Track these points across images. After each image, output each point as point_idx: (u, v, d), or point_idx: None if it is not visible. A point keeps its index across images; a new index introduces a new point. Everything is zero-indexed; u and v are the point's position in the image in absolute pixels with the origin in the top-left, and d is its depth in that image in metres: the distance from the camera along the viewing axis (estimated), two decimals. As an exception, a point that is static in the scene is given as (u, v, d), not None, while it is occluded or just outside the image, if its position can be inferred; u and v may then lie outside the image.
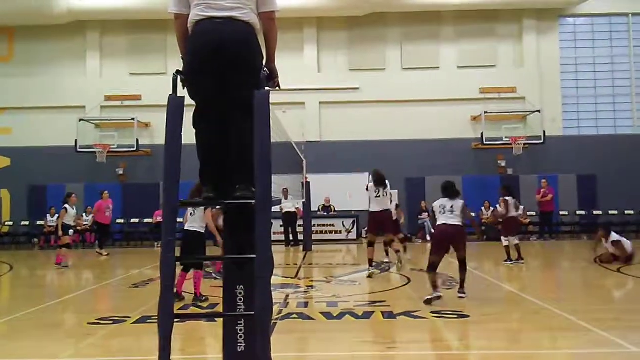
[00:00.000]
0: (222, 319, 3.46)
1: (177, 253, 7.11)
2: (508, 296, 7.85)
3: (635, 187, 17.16)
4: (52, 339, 5.75)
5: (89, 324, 6.09)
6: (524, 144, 17.80)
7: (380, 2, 18.03)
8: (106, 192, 14.92)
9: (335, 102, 18.96)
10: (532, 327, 5.83)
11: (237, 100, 3.26)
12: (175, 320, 2.88)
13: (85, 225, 16.61)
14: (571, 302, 7.13)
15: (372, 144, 18.18)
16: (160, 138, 18.21)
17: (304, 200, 14.14)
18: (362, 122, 18.68)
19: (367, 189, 9.58)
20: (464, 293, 7.09)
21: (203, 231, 7.10)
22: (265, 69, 3.39)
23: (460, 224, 7.01)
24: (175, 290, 5.80)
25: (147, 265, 11.58)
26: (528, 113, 18.45)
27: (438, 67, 19.16)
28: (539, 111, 18.15)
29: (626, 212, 17.71)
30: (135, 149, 17.63)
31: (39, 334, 5.92)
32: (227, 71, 3.22)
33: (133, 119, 17.74)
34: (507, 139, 17.79)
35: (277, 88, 3.62)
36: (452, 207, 7.02)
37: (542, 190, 16.91)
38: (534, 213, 17.17)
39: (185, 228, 7.05)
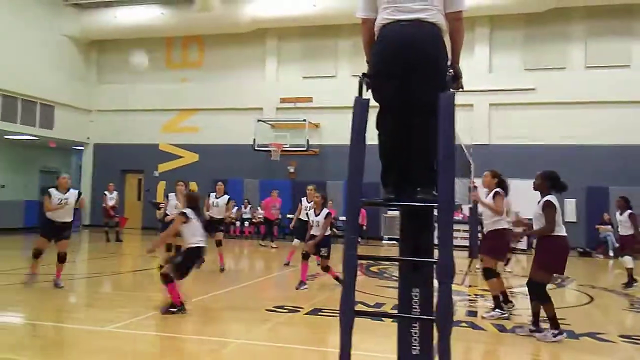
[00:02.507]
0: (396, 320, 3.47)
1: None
2: None
3: None
4: (234, 321, 6.28)
5: (266, 310, 6.54)
6: None
7: (562, -3, 16.72)
8: (275, 191, 16.12)
9: (506, 104, 18.03)
10: None
11: (422, 102, 3.24)
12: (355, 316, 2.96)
13: (259, 218, 17.88)
14: None
15: (548, 148, 16.93)
16: (328, 138, 18.97)
17: (470, 205, 13.63)
18: (537, 125, 17.49)
19: None
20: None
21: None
22: (451, 70, 3.33)
23: None
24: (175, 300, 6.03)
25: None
26: None
27: (628, 65, 17.21)
28: None
29: None
30: (305, 148, 18.52)
31: (224, 315, 6.52)
32: (412, 73, 3.21)
33: (304, 120, 18.66)
34: None
35: (461, 89, 3.53)
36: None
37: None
38: None
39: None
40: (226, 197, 10.69)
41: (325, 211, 8.55)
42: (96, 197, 19.25)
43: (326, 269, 8.46)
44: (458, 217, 15.73)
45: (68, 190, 7.95)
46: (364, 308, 6.70)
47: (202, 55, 21.13)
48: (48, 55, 19.63)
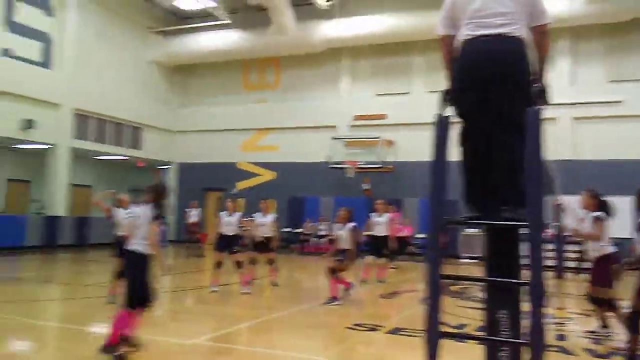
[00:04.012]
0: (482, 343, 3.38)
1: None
2: None
3: None
4: (315, 338, 6.34)
5: (347, 328, 6.54)
6: None
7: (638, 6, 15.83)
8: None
9: (591, 117, 17.20)
10: None
11: (507, 118, 3.18)
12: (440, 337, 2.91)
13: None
14: None
15: (636, 163, 15.95)
16: (403, 155, 18.85)
17: (555, 223, 13.06)
18: (625, 139, 16.55)
19: None
20: None
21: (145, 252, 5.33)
22: (537, 84, 3.25)
23: None
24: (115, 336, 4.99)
25: (389, 279, 11.96)
26: None
27: None
28: None
29: None
30: (380, 165, 18.48)
31: (304, 331, 6.59)
32: (496, 88, 3.17)
33: (379, 137, 18.65)
34: None
35: (548, 104, 3.43)
36: None
37: None
38: None
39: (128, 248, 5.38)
40: (273, 215, 10.62)
41: (349, 226, 8.83)
42: (180, 214, 20.14)
43: (333, 272, 8.59)
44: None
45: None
46: (448, 329, 6.53)
47: (278, 76, 21.69)
48: (136, 81, 20.90)
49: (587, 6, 16.29)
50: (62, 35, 17.84)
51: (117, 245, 7.70)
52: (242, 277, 9.50)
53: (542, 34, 3.27)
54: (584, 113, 17.25)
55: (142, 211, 5.33)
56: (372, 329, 6.52)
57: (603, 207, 6.23)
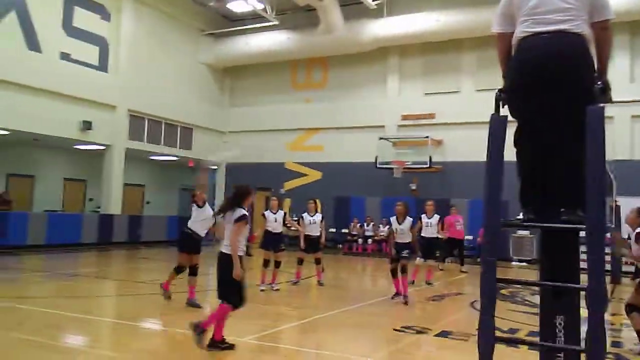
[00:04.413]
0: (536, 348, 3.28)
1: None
2: None
3: None
4: (362, 339, 6.31)
5: (395, 330, 6.49)
6: None
7: None
8: (454, 208, 15.11)
9: (652, 115, 16.46)
10: None
11: (567, 117, 3.08)
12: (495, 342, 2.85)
13: (381, 235, 17.90)
14: None
15: None
16: (451, 155, 18.55)
17: (612, 225, 12.55)
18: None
19: None
20: None
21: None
22: (599, 82, 3.13)
23: None
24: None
25: (438, 281, 11.80)
26: None
27: None
28: None
29: None
30: (428, 165, 18.24)
31: (352, 332, 6.57)
32: (555, 87, 3.06)
33: (427, 136, 18.40)
34: None
35: (610, 102, 3.30)
36: None
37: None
38: None
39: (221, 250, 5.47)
40: (320, 215, 10.69)
41: (409, 220, 8.97)
42: (228, 213, 20.45)
43: (403, 270, 8.72)
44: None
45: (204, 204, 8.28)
46: (499, 333, 6.38)
47: (326, 75, 21.73)
48: (187, 82, 21.40)
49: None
50: (117, 39, 18.45)
51: (185, 240, 7.95)
52: (264, 275, 9.58)
53: (604, 29, 3.15)
54: (645, 111, 16.52)
55: (229, 212, 5.35)
56: (420, 332, 6.44)
57: None
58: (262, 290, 9.23)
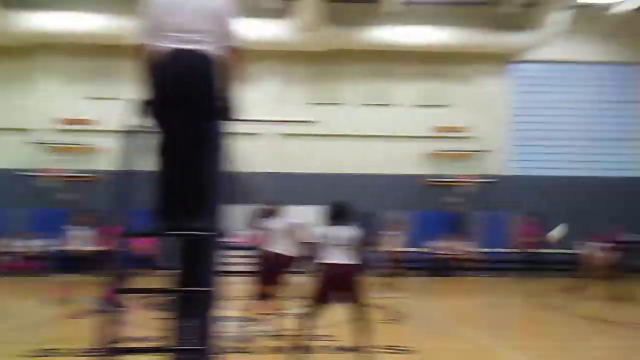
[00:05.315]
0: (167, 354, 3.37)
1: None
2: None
3: (579, 226, 17.68)
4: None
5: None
6: (476, 182, 18.33)
7: (341, 40, 18.48)
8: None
9: (294, 135, 19.15)
10: None
11: (198, 131, 3.29)
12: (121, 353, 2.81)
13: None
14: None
15: (329, 176, 18.42)
16: (105, 163, 17.84)
17: (253, 230, 14.00)
18: (321, 154, 18.93)
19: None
20: None
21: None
22: (228, 101, 3.45)
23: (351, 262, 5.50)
24: None
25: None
26: (479, 152, 19.09)
27: (394, 104, 19.64)
28: (490, 151, 18.87)
29: (567, 250, 18.28)
30: (86, 174, 17.15)
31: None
32: (188, 103, 3.26)
33: (84, 144, 17.33)
34: (458, 177, 18.34)
35: (239, 120, 3.67)
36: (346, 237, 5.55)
37: (525, 228, 16.73)
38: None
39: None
40: None
41: None
42: None
43: None
44: (242, 242, 15.94)
45: None
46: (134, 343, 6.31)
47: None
48: None
49: (296, 34, 18.06)
50: None
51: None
52: None
53: (234, 54, 3.48)
54: (289, 130, 19.08)
55: None
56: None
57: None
58: None
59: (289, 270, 7.22)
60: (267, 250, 7.28)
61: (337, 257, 5.40)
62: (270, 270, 7.18)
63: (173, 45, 3.29)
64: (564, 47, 19.59)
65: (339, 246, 5.43)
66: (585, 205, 18.48)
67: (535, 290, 12.84)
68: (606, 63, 20.28)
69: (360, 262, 5.53)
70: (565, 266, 17.90)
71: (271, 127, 18.80)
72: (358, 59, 19.56)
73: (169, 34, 3.31)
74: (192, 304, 3.29)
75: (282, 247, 7.21)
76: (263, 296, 7.12)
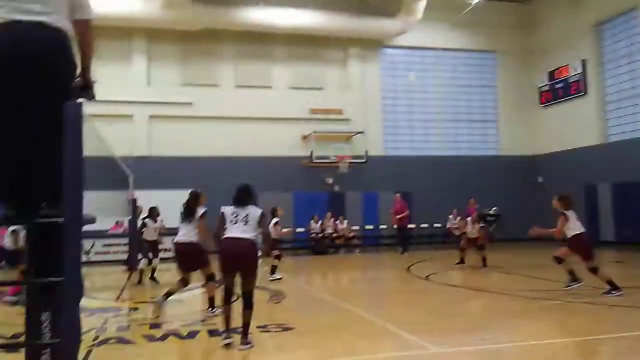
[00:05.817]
0: (24, 350, 3.15)
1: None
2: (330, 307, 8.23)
3: (442, 203, 19.08)
4: None
5: None
6: (349, 162, 19.00)
7: (212, 20, 18.05)
8: None
9: (166, 117, 18.44)
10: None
11: (43, 111, 3.03)
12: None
13: None
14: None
15: (203, 160, 18.03)
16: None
17: (129, 217, 13.43)
18: (194, 137, 18.43)
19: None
20: (247, 343, 5.52)
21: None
22: (79, 79, 3.22)
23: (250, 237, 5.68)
24: None
25: None
26: (353, 134, 19.78)
27: (270, 87, 19.68)
28: (362, 132, 19.63)
29: (435, 225, 19.72)
30: None
31: None
32: (32, 81, 2.98)
33: None
34: (334, 158, 18.88)
35: (92, 99, 3.45)
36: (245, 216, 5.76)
37: (397, 205, 17.40)
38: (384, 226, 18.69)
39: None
40: None
41: None
42: None
43: None
44: (117, 230, 15.31)
45: None
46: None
47: None
48: None
49: (162, 11, 17.30)
50: None
51: None
52: None
53: (85, 28, 3.23)
54: (160, 112, 18.32)
55: None
56: None
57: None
58: None
59: (197, 256, 7.23)
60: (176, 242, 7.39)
61: (235, 232, 5.68)
62: (181, 260, 7.32)
63: (7, 16, 2.97)
64: (428, 34, 20.87)
65: (238, 223, 5.74)
66: (450, 182, 19.98)
67: (408, 262, 13.65)
68: (466, 50, 21.90)
69: (255, 239, 5.78)
70: (434, 239, 19.49)
71: (139, 109, 17.96)
72: (233, 40, 19.32)
73: (6, 3, 2.98)
74: (48, 297, 3.09)
75: (185, 237, 7.23)
76: (184, 283, 7.28)
